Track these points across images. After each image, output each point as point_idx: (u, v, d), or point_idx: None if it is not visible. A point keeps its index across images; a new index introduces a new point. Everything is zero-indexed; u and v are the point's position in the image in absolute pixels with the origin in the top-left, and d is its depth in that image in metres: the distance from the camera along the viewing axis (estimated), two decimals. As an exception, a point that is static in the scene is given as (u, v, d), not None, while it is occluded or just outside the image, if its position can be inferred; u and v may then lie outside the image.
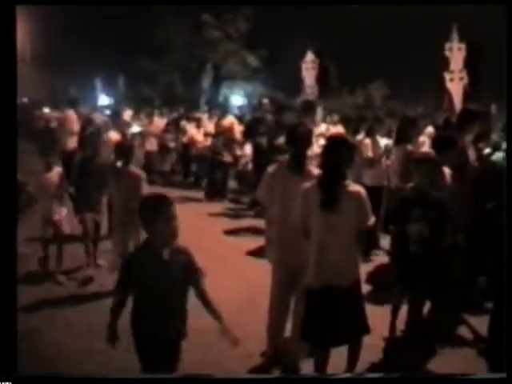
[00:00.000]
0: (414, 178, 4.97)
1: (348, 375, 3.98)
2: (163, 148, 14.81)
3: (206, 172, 12.93)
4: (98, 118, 13.38)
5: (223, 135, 12.24)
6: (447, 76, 15.90)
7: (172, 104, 20.77)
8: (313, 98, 15.53)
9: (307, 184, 4.04)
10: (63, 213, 6.59)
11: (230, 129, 12.41)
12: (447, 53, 15.88)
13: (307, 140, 4.54)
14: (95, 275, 6.59)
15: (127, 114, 14.64)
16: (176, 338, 3.33)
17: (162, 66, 26.21)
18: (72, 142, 10.86)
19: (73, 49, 25.06)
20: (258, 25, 23.44)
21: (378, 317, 4.73)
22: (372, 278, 6.67)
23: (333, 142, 4.08)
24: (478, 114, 6.38)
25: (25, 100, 26.04)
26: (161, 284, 3.18)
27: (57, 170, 6.59)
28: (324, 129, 9.63)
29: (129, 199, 6.05)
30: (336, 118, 12.43)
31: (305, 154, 4.50)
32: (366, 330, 4.06)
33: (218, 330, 3.24)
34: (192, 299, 3.36)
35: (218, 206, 11.35)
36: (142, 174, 6.31)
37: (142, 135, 14.41)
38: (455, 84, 15.67)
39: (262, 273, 5.39)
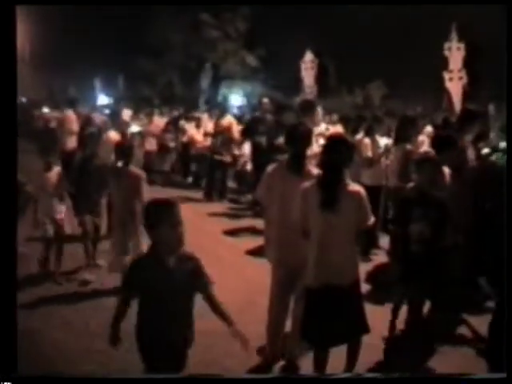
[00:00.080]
0: (415, 177, 4.98)
1: (347, 375, 3.98)
2: (163, 148, 14.79)
3: (206, 172, 12.92)
4: (98, 118, 13.40)
5: (221, 135, 12.24)
6: (446, 75, 15.90)
7: (171, 104, 20.78)
8: (312, 97, 15.52)
9: (307, 184, 4.04)
10: (64, 212, 6.60)
11: (229, 128, 12.40)
12: (446, 52, 15.89)
13: (307, 140, 4.54)
14: (94, 275, 6.58)
15: (126, 114, 14.62)
16: (182, 345, 3.27)
17: (161, 65, 26.23)
18: (71, 142, 10.88)
19: (71, 49, 25.06)
20: (256, 24, 23.46)
21: (377, 316, 4.74)
22: (371, 277, 6.68)
23: (332, 141, 4.08)
24: (478, 114, 6.39)
25: (23, 100, 26.02)
26: (166, 291, 3.10)
27: (56, 170, 6.59)
28: (324, 128, 9.61)
29: (129, 199, 6.06)
30: (335, 117, 12.45)
31: (304, 153, 4.49)
32: (365, 329, 4.07)
33: (230, 332, 3.16)
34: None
35: (217, 206, 11.35)
36: (142, 174, 6.31)
37: (142, 135, 14.40)
38: (454, 83, 15.67)
39: (261, 272, 5.40)
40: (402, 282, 4.92)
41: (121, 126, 10.02)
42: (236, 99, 25.41)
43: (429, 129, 9.44)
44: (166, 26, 24.67)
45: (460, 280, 5.58)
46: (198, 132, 13.97)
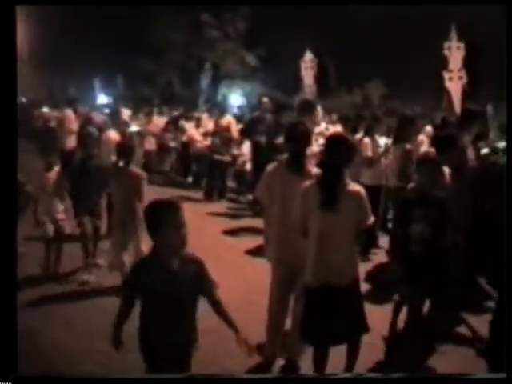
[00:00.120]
0: (416, 177, 4.98)
1: (347, 375, 3.98)
2: (163, 147, 14.79)
3: (205, 171, 12.92)
4: (98, 117, 13.38)
5: (219, 134, 12.25)
6: (446, 75, 15.87)
7: (170, 103, 20.78)
8: (311, 97, 15.49)
9: (307, 183, 4.04)
10: (64, 212, 6.59)
11: (227, 128, 12.42)
12: (446, 52, 15.85)
13: (306, 139, 4.53)
14: (94, 276, 6.57)
15: (125, 114, 14.61)
16: (185, 348, 3.22)
17: (161, 65, 26.24)
18: (71, 142, 10.88)
19: (71, 48, 25.03)
20: (256, 24, 23.46)
21: (376, 316, 4.74)
22: (371, 277, 6.68)
23: (332, 141, 4.08)
24: (478, 114, 6.40)
25: (23, 100, 26.00)
26: (169, 294, 3.04)
27: (56, 169, 6.59)
28: (324, 128, 9.62)
29: (129, 199, 6.07)
30: (335, 117, 12.46)
31: (304, 153, 4.49)
32: (365, 328, 4.07)
33: (236, 340, 3.12)
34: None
35: (216, 206, 11.35)
36: (143, 174, 6.32)
37: (141, 134, 14.38)
38: (454, 83, 15.64)
39: (261, 272, 5.40)
40: (402, 282, 4.92)
41: (120, 126, 10.01)
42: (235, 99, 25.41)
43: (428, 128, 9.44)
44: (166, 26, 24.68)
45: (460, 280, 5.58)
46: (198, 132, 13.97)
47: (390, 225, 8.15)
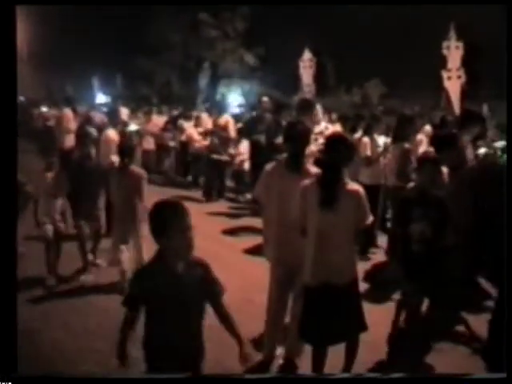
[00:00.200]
0: (416, 177, 4.98)
1: (346, 375, 3.98)
2: (162, 147, 14.77)
3: (204, 171, 12.91)
4: (97, 117, 13.35)
5: (217, 133, 12.25)
6: (445, 74, 15.86)
7: (169, 103, 20.78)
8: (310, 96, 15.47)
9: (306, 182, 4.04)
10: (64, 212, 6.59)
11: (225, 127, 12.42)
12: (445, 51, 15.84)
13: (305, 138, 4.53)
14: (93, 276, 6.57)
15: (123, 113, 14.59)
16: (192, 355, 3.09)
17: (159, 64, 26.25)
18: (69, 141, 10.87)
19: (70, 48, 25.05)
20: (256, 24, 23.47)
21: (375, 315, 4.73)
22: (370, 276, 6.68)
23: (332, 140, 4.09)
24: (478, 115, 6.42)
25: (22, 99, 25.98)
26: (175, 299, 2.91)
27: (56, 169, 6.58)
28: (323, 127, 9.62)
29: (129, 198, 6.09)
30: (335, 116, 12.45)
31: (303, 152, 4.48)
32: (363, 327, 4.09)
33: (239, 354, 2.99)
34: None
35: (215, 205, 11.35)
36: (144, 174, 6.33)
37: (140, 134, 14.37)
38: (453, 82, 15.62)
39: (259, 271, 5.41)
40: (402, 281, 4.92)
41: (119, 125, 10.00)
42: (234, 98, 25.41)
43: (427, 128, 9.44)
44: (165, 25, 24.68)
45: (460, 280, 5.59)
46: (197, 131, 13.95)
47: (388, 224, 8.15)
